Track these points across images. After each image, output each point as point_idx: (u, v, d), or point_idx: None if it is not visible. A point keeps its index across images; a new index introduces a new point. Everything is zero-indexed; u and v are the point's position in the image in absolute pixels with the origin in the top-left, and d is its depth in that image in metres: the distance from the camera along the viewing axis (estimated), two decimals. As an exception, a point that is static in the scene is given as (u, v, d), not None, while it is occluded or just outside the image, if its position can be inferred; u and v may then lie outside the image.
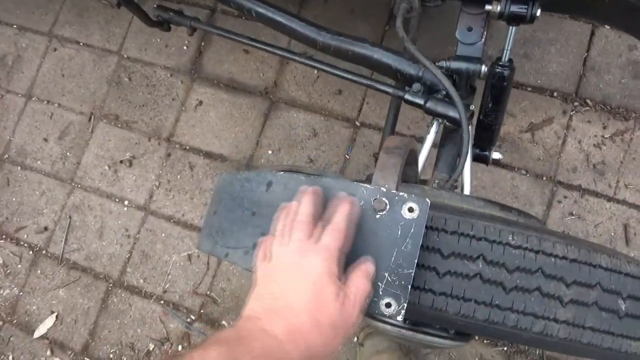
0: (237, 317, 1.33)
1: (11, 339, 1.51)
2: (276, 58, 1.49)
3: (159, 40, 1.58)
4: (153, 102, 1.56)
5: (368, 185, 0.56)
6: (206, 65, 1.55)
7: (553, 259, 0.56)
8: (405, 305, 0.53)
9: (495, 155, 1.05)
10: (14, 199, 1.59)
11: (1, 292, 1.55)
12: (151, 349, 1.43)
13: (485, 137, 1.03)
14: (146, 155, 1.53)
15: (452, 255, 0.56)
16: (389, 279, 0.54)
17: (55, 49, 1.65)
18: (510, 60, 0.91)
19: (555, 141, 1.33)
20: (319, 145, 1.45)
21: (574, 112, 1.34)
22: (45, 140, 1.60)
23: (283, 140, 1.46)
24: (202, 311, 1.43)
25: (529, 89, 1.37)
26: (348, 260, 0.54)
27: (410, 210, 0.54)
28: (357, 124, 1.44)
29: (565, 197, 1.31)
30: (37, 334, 1.50)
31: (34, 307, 1.52)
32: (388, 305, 0.53)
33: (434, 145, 0.96)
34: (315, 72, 1.47)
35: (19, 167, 1.61)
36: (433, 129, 0.96)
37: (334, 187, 0.58)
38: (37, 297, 1.52)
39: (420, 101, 0.94)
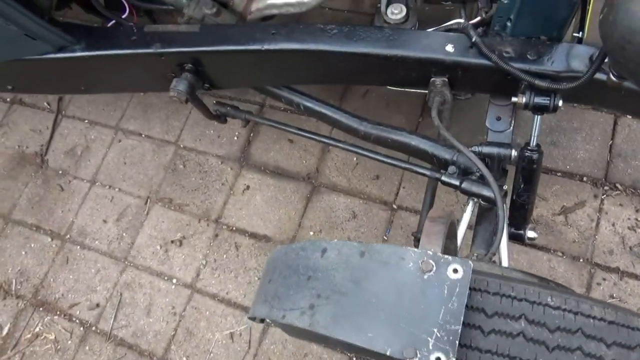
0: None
1: (54, 416, 1.54)
2: (318, 146, 1.63)
3: (212, 131, 1.75)
4: (204, 186, 1.69)
5: (416, 250, 0.63)
6: (254, 154, 1.70)
7: (592, 320, 0.60)
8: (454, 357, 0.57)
9: (530, 234, 1.10)
10: (70, 276, 1.69)
11: (49, 368, 1.60)
12: None
13: (519, 217, 1.09)
14: (195, 236, 1.64)
15: (496, 314, 0.61)
16: (438, 335, 0.59)
17: (120, 140, 1.84)
18: (538, 145, 1.00)
19: (589, 224, 1.38)
20: (358, 227, 1.52)
21: (605, 195, 1.39)
22: (105, 221, 1.73)
23: (324, 222, 1.54)
24: (243, 390, 1.44)
25: (559, 174, 1.44)
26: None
27: (455, 271, 0.61)
28: (394, 206, 1.52)
29: (604, 279, 1.32)
30: (79, 412, 1.52)
31: (80, 387, 1.55)
32: (439, 359, 0.58)
33: (469, 226, 1.03)
34: (355, 158, 1.59)
35: (79, 247, 1.73)
36: (469, 208, 1.03)
37: (384, 252, 0.66)
38: (83, 373, 1.56)
39: (456, 182, 1.03)
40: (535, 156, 1.00)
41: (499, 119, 1.07)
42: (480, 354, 0.60)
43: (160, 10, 1.32)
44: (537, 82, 0.92)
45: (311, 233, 1.54)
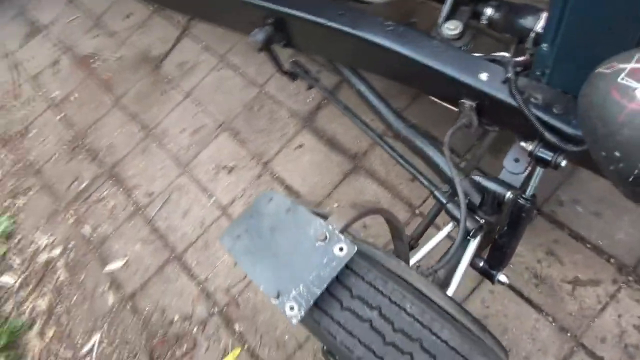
0: (248, 326, 1.51)
1: (90, 263, 1.87)
2: (374, 133, 1.71)
3: (292, 87, 1.91)
4: (268, 131, 1.87)
5: (322, 222, 0.73)
6: (319, 119, 1.83)
7: (435, 338, 0.66)
8: (303, 314, 0.67)
9: (502, 278, 1.11)
10: (142, 163, 2.00)
11: (100, 228, 1.93)
12: (175, 319, 1.67)
13: (496, 257, 1.10)
14: (244, 170, 1.83)
15: (358, 297, 0.69)
16: (301, 290, 0.69)
17: (220, 69, 2.08)
18: (533, 195, 1.00)
19: (595, 304, 1.31)
20: (377, 217, 1.59)
21: (624, 284, 1.31)
22: (182, 131, 2.00)
23: (350, 199, 1.64)
24: (224, 309, 1.63)
25: (588, 245, 1.38)
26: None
27: (341, 249, 0.70)
28: (416, 212, 1.57)
29: (582, 361, 1.27)
30: (107, 268, 1.84)
31: (115, 248, 1.86)
32: (292, 308, 0.68)
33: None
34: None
35: (156, 143, 2.02)
36: (447, 228, 1.07)
37: (301, 216, 0.76)
38: (121, 241, 1.87)
39: (443, 200, 1.07)
40: (525, 205, 1.00)
41: (517, 160, 1.08)
42: (331, 321, 0.69)
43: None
44: (547, 135, 0.92)
45: (335, 204, 1.65)
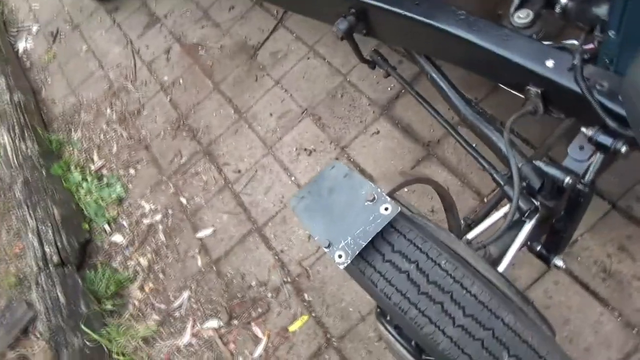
0: (316, 297, 1.64)
1: (184, 230, 2.12)
2: (449, 122, 1.75)
3: (374, 77, 2.00)
4: (347, 118, 1.98)
5: (372, 185, 0.83)
6: (397, 107, 1.90)
7: (464, 292, 0.73)
8: (350, 261, 0.78)
9: (558, 262, 1.12)
10: (233, 143, 2.21)
11: (194, 199, 2.17)
12: (253, 284, 1.84)
13: (552, 241, 1.12)
14: (322, 153, 1.96)
15: (399, 252, 0.78)
16: (349, 241, 0.79)
17: (308, 58, 2.23)
18: (592, 182, 1.01)
19: (666, 303, 1.27)
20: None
21: (702, 286, 1.25)
22: (270, 114, 2.18)
23: (420, 186, 1.70)
24: (296, 279, 1.77)
25: (665, 243, 1.33)
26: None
27: (386, 209, 0.79)
28: (485, 200, 1.59)
29: (647, 359, 1.23)
30: (198, 235, 2.06)
31: (205, 217, 2.09)
32: (340, 256, 0.79)
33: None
34: (475, 144, 1.68)
35: (247, 125, 2.22)
36: (504, 208, 1.11)
37: (355, 179, 0.86)
38: (211, 212, 2.09)
39: (501, 182, 1.11)
40: (583, 190, 1.01)
41: (582, 148, 1.08)
42: (374, 270, 0.79)
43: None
44: (608, 120, 0.93)
45: (405, 190, 1.72)
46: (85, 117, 2.82)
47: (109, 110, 2.74)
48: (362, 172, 1.84)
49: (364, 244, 0.78)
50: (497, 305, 0.72)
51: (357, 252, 0.78)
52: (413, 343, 1.02)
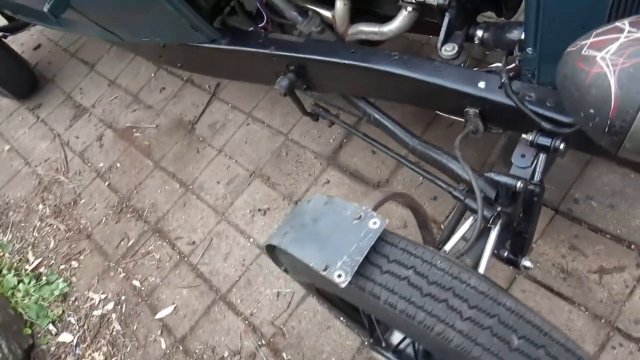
0: (295, 354, 1.59)
1: (141, 313, 1.99)
2: (393, 162, 1.86)
3: (315, 132, 2.10)
4: (296, 173, 2.04)
5: (356, 205, 0.87)
6: (341, 156, 1.99)
7: (464, 286, 0.77)
8: (350, 278, 0.79)
9: (527, 262, 1.20)
10: (183, 216, 2.17)
11: (148, 280, 2.07)
12: (225, 355, 1.75)
13: (517, 244, 1.20)
14: (277, 210, 1.98)
15: (394, 261, 0.81)
16: (346, 260, 0.81)
17: (247, 124, 2.30)
18: (540, 181, 1.11)
19: (623, 289, 1.37)
20: (407, 234, 1.69)
21: (648, 267, 1.37)
22: (218, 182, 2.18)
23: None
24: (271, 340, 1.72)
25: (608, 236, 1.46)
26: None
27: (374, 223, 0.83)
28: (442, 227, 1.67)
29: (620, 345, 1.31)
30: (157, 316, 1.95)
31: (164, 296, 1.99)
32: (339, 275, 0.80)
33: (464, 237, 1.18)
34: (420, 178, 1.78)
35: (195, 197, 2.20)
36: (468, 221, 1.18)
37: (337, 204, 0.90)
38: (168, 289, 2.00)
39: (461, 197, 1.20)
40: (535, 190, 1.11)
41: (523, 156, 1.20)
42: (374, 284, 0.80)
43: (287, 24, 1.70)
44: (544, 124, 1.06)
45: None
46: (14, 217, 2.65)
47: (41, 206, 2.60)
48: (320, 221, 1.87)
49: (361, 259, 0.80)
50: (496, 293, 0.76)
51: (356, 267, 0.79)
52: (414, 363, 1.03)
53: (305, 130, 2.14)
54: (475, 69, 1.24)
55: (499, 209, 1.14)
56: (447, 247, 1.17)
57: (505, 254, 1.23)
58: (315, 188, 1.96)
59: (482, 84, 1.17)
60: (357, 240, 0.82)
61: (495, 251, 1.24)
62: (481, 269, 1.11)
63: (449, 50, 1.26)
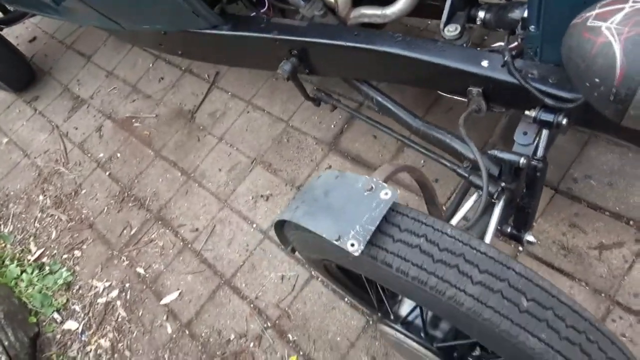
0: (301, 334, 1.61)
1: (146, 300, 2.01)
2: (394, 146, 1.88)
3: (316, 118, 2.11)
4: (297, 159, 2.05)
5: (367, 177, 0.89)
6: (343, 141, 2.01)
7: (474, 252, 0.79)
8: (363, 247, 0.81)
9: (529, 237, 1.23)
10: (185, 204, 2.18)
11: (154, 265, 2.09)
12: (232, 338, 1.77)
13: (521, 219, 1.22)
14: (280, 196, 2.00)
15: (406, 230, 0.83)
16: (358, 229, 0.83)
17: (248, 112, 2.31)
18: (543, 156, 1.14)
19: (622, 264, 1.40)
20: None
21: (647, 242, 1.41)
22: (219, 170, 2.20)
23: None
24: (277, 322, 1.74)
25: (607, 213, 1.49)
26: (340, 215, 0.86)
27: (386, 194, 0.85)
28: (444, 208, 1.70)
29: (620, 317, 1.34)
30: (163, 302, 1.97)
31: (168, 282, 2.01)
32: (352, 244, 0.82)
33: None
34: (422, 160, 1.81)
35: (197, 184, 2.21)
36: (473, 197, 1.21)
37: (348, 177, 0.92)
38: (173, 275, 2.02)
39: (466, 174, 1.22)
40: (538, 165, 1.14)
41: (525, 133, 1.22)
42: (386, 253, 0.83)
43: (288, 9, 1.71)
44: (547, 100, 1.08)
45: (367, 213, 1.79)
46: (14, 208, 2.65)
47: (41, 197, 2.60)
48: (323, 205, 1.89)
49: (373, 228, 0.82)
50: (506, 258, 0.79)
51: (369, 236, 0.82)
52: (422, 334, 1.06)
53: (306, 116, 2.15)
54: (478, 48, 1.26)
55: (502, 184, 1.17)
56: (453, 222, 1.19)
57: (509, 230, 1.25)
58: (317, 173, 1.98)
59: (485, 63, 1.19)
60: (369, 211, 0.84)
61: (499, 227, 1.27)
62: (489, 235, 1.14)
63: (451, 30, 1.28)
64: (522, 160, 1.15)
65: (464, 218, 1.21)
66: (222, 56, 1.85)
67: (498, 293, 0.76)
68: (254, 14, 1.71)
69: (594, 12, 0.78)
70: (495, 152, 1.20)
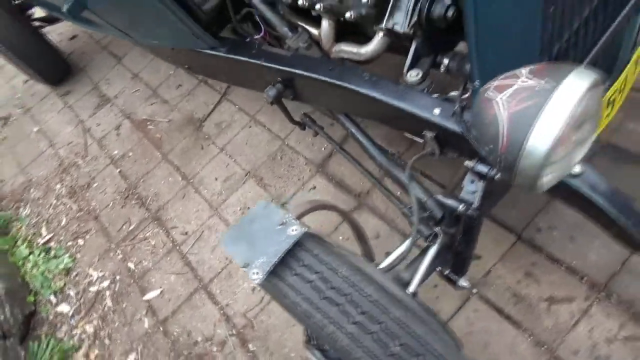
0: (260, 346, 1.69)
1: (131, 293, 2.14)
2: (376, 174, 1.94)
3: (309, 139, 2.20)
4: (286, 177, 2.14)
5: (283, 211, 0.96)
6: (330, 165, 2.09)
7: (362, 296, 0.85)
8: (263, 277, 0.89)
9: (463, 282, 1.26)
10: (180, 207, 2.31)
11: (144, 262, 2.22)
12: (199, 340, 1.88)
13: (457, 263, 1.26)
14: (265, 210, 2.09)
15: (305, 266, 0.90)
16: (263, 260, 0.91)
17: (250, 126, 2.42)
18: (479, 206, 1.18)
19: (569, 319, 1.41)
20: (378, 244, 1.79)
21: (596, 301, 1.41)
22: (216, 179, 2.32)
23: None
24: (241, 330, 1.83)
25: (563, 266, 1.49)
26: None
27: (293, 230, 0.92)
28: (410, 241, 1.74)
29: (557, 372, 1.35)
30: (145, 297, 2.10)
31: (153, 280, 2.14)
32: (255, 273, 0.90)
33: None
34: (398, 192, 1.86)
35: (194, 190, 2.34)
36: (412, 237, 1.26)
37: (270, 209, 1.00)
38: (158, 274, 2.14)
39: (409, 214, 1.27)
40: (473, 214, 1.18)
41: (472, 181, 1.26)
42: (284, 284, 0.90)
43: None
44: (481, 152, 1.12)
45: (340, 237, 1.86)
46: (35, 193, 2.87)
47: (58, 186, 2.80)
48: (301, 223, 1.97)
49: (275, 260, 0.90)
50: (388, 302, 0.84)
51: (269, 269, 0.89)
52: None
53: (301, 137, 2.24)
54: (435, 95, 1.31)
55: (436, 229, 1.21)
56: (388, 260, 1.25)
57: (447, 272, 1.29)
58: (302, 193, 2.07)
59: (437, 111, 1.24)
60: (276, 244, 0.92)
61: (439, 268, 1.31)
62: (413, 284, 1.19)
63: (413, 75, 1.34)
64: (461, 208, 1.20)
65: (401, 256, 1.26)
66: (220, 74, 1.97)
67: (372, 334, 0.82)
68: (249, 38, 1.82)
69: (494, 84, 0.83)
70: (440, 197, 1.25)
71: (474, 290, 1.55)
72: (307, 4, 1.44)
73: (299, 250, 0.92)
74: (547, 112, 0.74)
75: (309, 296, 0.87)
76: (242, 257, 0.94)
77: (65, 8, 1.73)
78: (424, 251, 1.24)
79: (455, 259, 1.28)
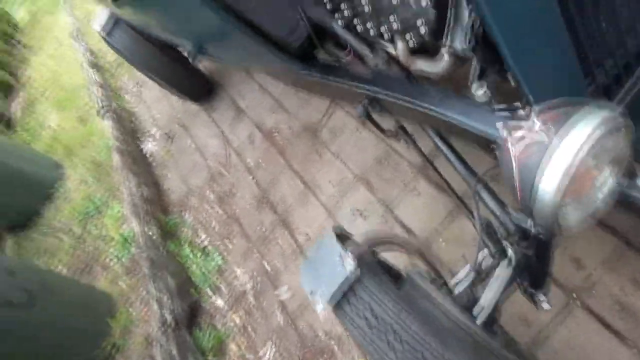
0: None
1: (267, 292, 2.48)
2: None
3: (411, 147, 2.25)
4: (392, 181, 2.24)
5: (343, 249, 1.10)
6: (431, 168, 2.12)
7: (406, 330, 0.95)
8: (323, 307, 1.05)
9: (541, 297, 1.25)
10: (302, 211, 2.57)
11: (276, 264, 2.54)
12: (320, 334, 2.12)
13: (534, 279, 1.25)
14: (372, 215, 2.23)
15: (359, 297, 1.03)
16: (324, 291, 1.06)
17: (360, 131, 2.56)
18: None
19: (684, 332, 1.30)
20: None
21: None
22: (330, 182, 2.52)
23: (457, 236, 1.88)
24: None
25: (680, 273, 1.36)
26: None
27: (350, 265, 1.06)
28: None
29: (667, 390, 1.27)
30: (277, 293, 2.42)
31: (284, 280, 2.44)
32: (316, 302, 1.06)
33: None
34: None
35: (312, 194, 2.58)
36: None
37: (335, 246, 1.14)
38: (287, 274, 2.44)
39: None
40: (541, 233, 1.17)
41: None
42: (344, 314, 1.04)
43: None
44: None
45: (440, 239, 1.91)
46: (193, 201, 3.41)
47: (208, 192, 3.29)
48: (409, 231, 2.07)
49: (334, 292, 1.05)
50: (425, 333, 0.94)
51: (328, 299, 1.05)
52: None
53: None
54: (502, 106, 1.29)
55: (510, 247, 1.23)
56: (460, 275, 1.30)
57: (527, 289, 1.29)
58: (405, 196, 2.15)
59: (499, 125, 1.24)
60: (339, 280, 1.06)
61: (522, 285, 1.31)
62: (483, 300, 1.23)
63: (479, 89, 1.34)
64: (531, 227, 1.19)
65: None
66: (316, 90, 2.14)
67: (412, 363, 0.93)
68: (337, 59, 1.94)
69: (511, 123, 0.85)
70: (513, 214, 1.26)
71: (574, 295, 1.50)
72: (361, 28, 1.52)
73: (358, 284, 1.05)
74: (551, 161, 0.75)
75: (361, 325, 1.00)
76: (309, 286, 1.11)
77: (190, 59, 2.08)
78: (501, 270, 1.26)
79: (532, 276, 1.27)
